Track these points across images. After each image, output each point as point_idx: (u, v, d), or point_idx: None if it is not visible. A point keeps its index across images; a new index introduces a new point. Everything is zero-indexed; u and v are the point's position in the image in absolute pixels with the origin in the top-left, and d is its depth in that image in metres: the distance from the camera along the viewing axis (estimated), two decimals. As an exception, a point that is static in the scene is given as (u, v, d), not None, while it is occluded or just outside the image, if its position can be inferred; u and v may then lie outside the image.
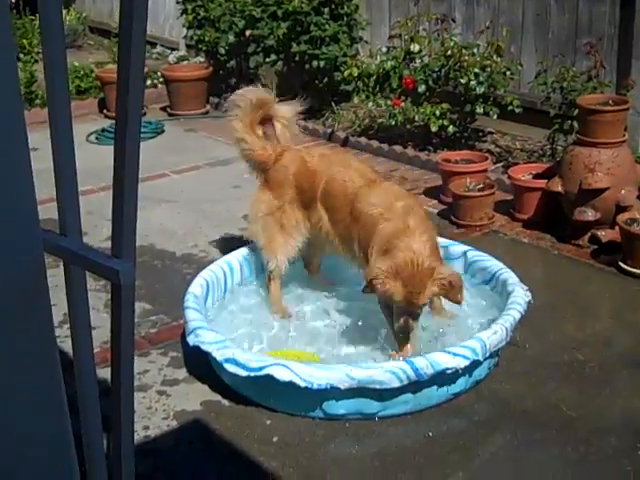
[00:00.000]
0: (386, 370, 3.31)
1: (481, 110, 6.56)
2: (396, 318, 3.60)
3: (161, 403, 3.59)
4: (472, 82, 6.49)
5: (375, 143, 6.91)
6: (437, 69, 6.69)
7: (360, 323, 3.96)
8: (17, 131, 1.16)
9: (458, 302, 3.64)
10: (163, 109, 8.39)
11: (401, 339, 3.65)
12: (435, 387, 3.45)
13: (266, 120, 4.32)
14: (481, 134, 7.22)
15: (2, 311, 1.14)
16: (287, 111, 4.35)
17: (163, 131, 7.72)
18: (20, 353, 1.25)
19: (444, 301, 3.88)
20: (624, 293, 4.48)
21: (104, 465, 1.54)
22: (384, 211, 3.72)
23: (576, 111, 5.51)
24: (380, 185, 3.93)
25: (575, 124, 5.64)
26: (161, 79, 8.69)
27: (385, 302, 3.69)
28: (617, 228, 4.77)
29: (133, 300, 1.40)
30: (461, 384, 3.52)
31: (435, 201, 5.82)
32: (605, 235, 4.90)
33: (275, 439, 3.35)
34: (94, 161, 5.50)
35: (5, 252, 1.15)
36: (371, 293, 3.63)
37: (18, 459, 1.25)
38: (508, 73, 6.60)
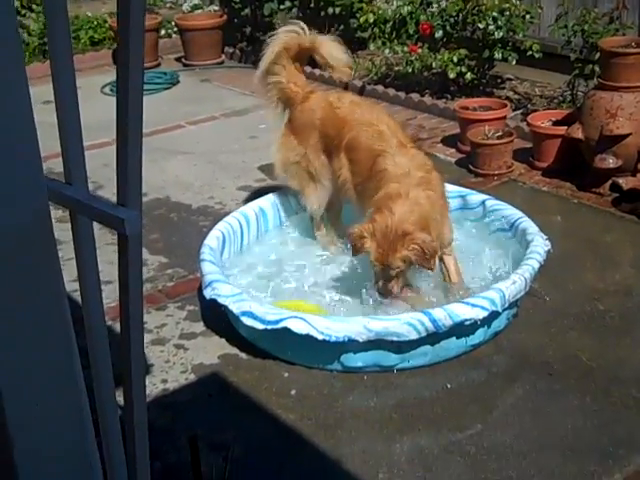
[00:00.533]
0: (404, 322, 3.28)
1: (500, 55, 6.42)
2: (374, 281, 3.64)
3: (179, 357, 3.60)
4: (490, 26, 6.35)
5: (392, 91, 6.80)
6: (454, 14, 6.54)
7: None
8: (17, 80, 1.12)
9: (430, 268, 3.57)
10: (178, 59, 8.30)
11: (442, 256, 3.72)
12: (454, 338, 3.42)
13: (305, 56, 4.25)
14: (499, 81, 7.09)
15: (6, 259, 1.11)
16: (335, 50, 4.19)
17: (178, 82, 7.64)
18: (27, 305, 1.22)
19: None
20: (646, 241, 4.41)
21: (117, 418, 1.53)
22: (400, 176, 3.65)
23: (597, 55, 5.38)
24: (409, 151, 3.82)
25: (597, 68, 5.52)
26: (175, 29, 8.59)
27: None
28: (639, 175, 4.68)
29: (140, 250, 1.37)
30: (480, 335, 3.50)
31: (453, 149, 5.73)
32: (627, 182, 4.81)
33: (293, 392, 3.35)
34: (109, 113, 5.35)
35: (8, 199, 1.12)
36: (354, 254, 3.66)
37: (29, 416, 1.24)
38: (527, 17, 6.45)
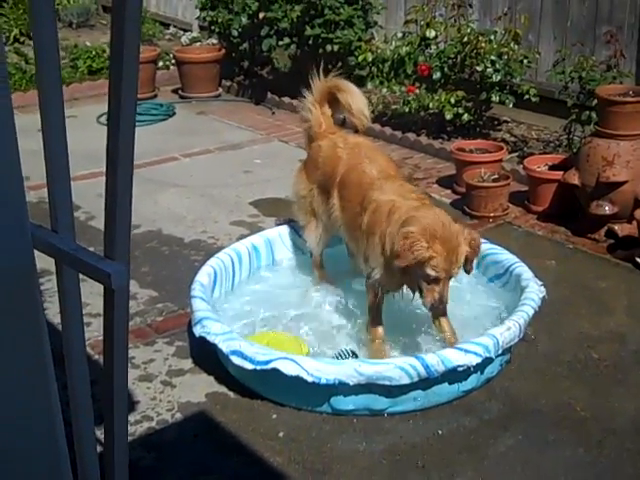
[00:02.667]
0: (396, 366, 3.23)
1: (497, 98, 6.44)
2: (427, 294, 3.40)
3: (166, 394, 3.53)
4: (488, 69, 6.37)
5: (388, 130, 6.81)
6: (453, 56, 6.57)
7: (356, 320, 3.92)
8: (3, 122, 1.09)
9: (469, 270, 3.50)
10: (175, 91, 8.31)
11: (436, 315, 3.59)
12: (446, 384, 3.37)
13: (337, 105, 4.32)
14: (496, 123, 7.11)
15: None
16: (349, 85, 4.30)
17: (174, 113, 7.64)
18: (10, 352, 1.18)
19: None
20: (640, 290, 4.39)
21: (96, 459, 1.48)
22: (396, 200, 3.62)
23: (595, 101, 5.40)
24: (396, 180, 3.84)
25: (593, 115, 5.54)
26: (173, 60, 8.60)
27: (395, 280, 3.55)
28: (635, 223, 4.66)
29: (127, 304, 1.33)
30: (472, 381, 3.44)
31: (448, 191, 5.72)
32: (622, 229, 4.81)
33: (281, 434, 3.28)
34: (104, 143, 5.42)
35: None
36: (402, 264, 3.34)
37: (7, 450, 1.19)
38: (525, 61, 6.48)
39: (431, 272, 3.33)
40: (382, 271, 3.56)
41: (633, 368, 3.68)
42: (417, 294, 3.54)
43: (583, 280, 4.51)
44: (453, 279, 3.48)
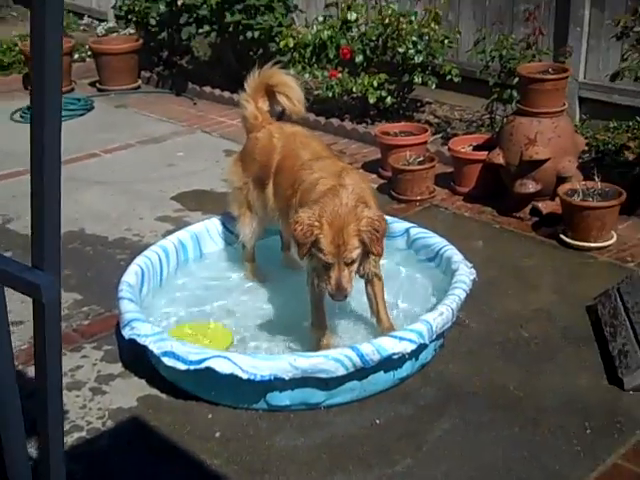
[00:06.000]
0: (331, 358, 3.20)
1: (419, 80, 6.45)
2: (321, 281, 3.36)
3: (96, 401, 3.43)
4: (410, 51, 6.38)
5: (312, 116, 6.75)
6: (375, 38, 6.56)
7: (289, 315, 3.88)
8: None
9: (378, 253, 3.37)
10: (92, 84, 8.10)
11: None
12: (381, 372, 3.35)
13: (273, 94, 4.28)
14: (419, 104, 7.13)
15: None
16: (285, 78, 4.26)
17: (93, 107, 7.44)
18: None
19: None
20: (565, 266, 4.45)
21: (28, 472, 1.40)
22: (325, 175, 3.56)
23: (515, 80, 5.45)
24: (327, 159, 3.79)
25: (514, 93, 5.59)
26: (89, 52, 8.37)
27: (312, 264, 3.50)
28: (557, 199, 4.73)
29: (59, 317, 1.25)
30: (407, 368, 3.44)
31: (374, 175, 5.71)
32: (546, 207, 4.87)
33: (218, 434, 3.22)
34: (19, 141, 5.12)
35: None
36: (301, 252, 3.33)
37: None
38: (446, 41, 6.51)
39: (321, 256, 3.28)
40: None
41: (561, 344, 3.73)
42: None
43: (510, 259, 4.55)
44: (356, 264, 3.35)
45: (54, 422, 1.33)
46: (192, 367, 3.23)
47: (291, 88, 4.25)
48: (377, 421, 3.28)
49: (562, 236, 4.58)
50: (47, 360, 1.28)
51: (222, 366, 3.19)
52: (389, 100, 6.54)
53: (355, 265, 3.34)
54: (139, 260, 4.03)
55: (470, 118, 6.71)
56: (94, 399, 3.43)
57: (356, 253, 3.30)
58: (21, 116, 7.05)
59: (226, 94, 7.49)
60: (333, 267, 3.29)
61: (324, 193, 3.37)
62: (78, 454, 3.08)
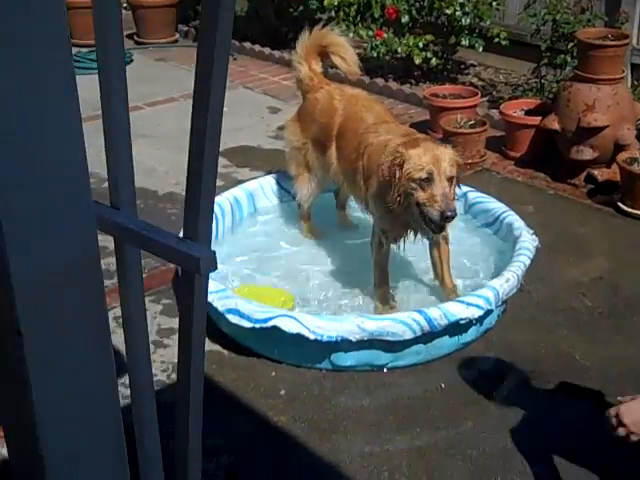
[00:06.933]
0: (399, 321, 3.17)
1: (466, 42, 6.35)
2: (429, 201, 3.22)
3: (158, 354, 3.43)
4: (457, 12, 6.26)
5: (356, 75, 6.65)
6: (421, -2, 6.43)
7: (345, 274, 3.85)
8: (68, 98, 0.96)
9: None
10: (130, 37, 7.99)
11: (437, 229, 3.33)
12: (446, 337, 3.33)
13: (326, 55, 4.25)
14: (463, 67, 7.02)
15: (53, 293, 0.98)
16: (339, 39, 4.23)
17: (132, 61, 7.36)
18: (72, 337, 1.08)
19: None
20: (624, 234, 4.39)
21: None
22: (393, 137, 3.53)
23: (569, 45, 5.35)
24: (392, 123, 3.76)
25: (568, 58, 5.48)
26: (126, 4, 8.25)
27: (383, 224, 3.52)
28: (614, 167, 4.66)
29: (207, 290, 1.22)
30: (472, 333, 3.42)
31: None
32: (602, 174, 4.80)
33: (282, 392, 3.21)
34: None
35: (56, 229, 0.97)
36: (393, 197, 3.30)
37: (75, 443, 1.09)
38: (494, 4, 6.38)
39: (421, 174, 3.22)
40: (383, 214, 3.49)
41: (626, 314, 3.69)
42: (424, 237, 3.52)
43: (566, 226, 4.50)
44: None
45: (196, 391, 1.31)
46: (258, 325, 3.21)
47: (345, 49, 4.20)
48: (442, 385, 3.27)
49: (620, 204, 4.52)
50: (193, 333, 1.26)
51: (289, 325, 3.17)
52: (434, 61, 6.44)
53: (453, 188, 3.30)
54: (194, 216, 4.00)
55: (516, 82, 6.60)
56: (157, 352, 3.43)
57: (454, 171, 3.27)
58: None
59: (266, 50, 7.39)
60: (433, 182, 3.23)
61: (397, 147, 3.34)
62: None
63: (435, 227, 3.28)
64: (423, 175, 3.22)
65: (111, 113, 1.20)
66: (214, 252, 1.10)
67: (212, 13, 1.00)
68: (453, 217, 3.23)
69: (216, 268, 1.15)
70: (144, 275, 4.11)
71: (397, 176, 3.26)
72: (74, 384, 1.07)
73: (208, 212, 1.16)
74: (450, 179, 3.25)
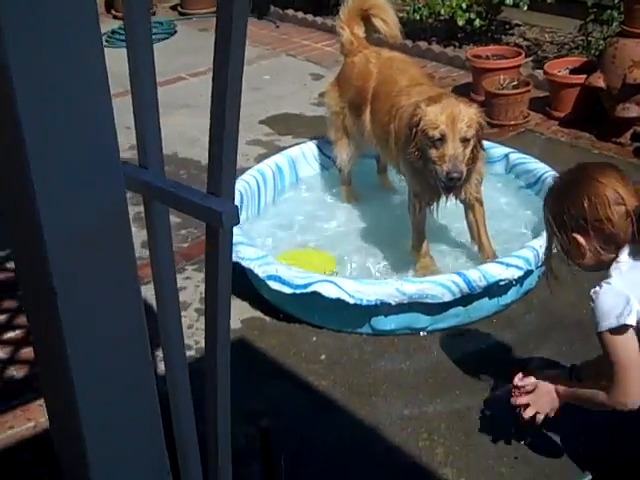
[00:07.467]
0: (438, 283, 3.18)
1: (510, 1, 6.22)
2: (438, 160, 3.27)
3: (201, 322, 3.48)
4: (501, -30, 6.13)
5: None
6: (464, -43, 6.32)
7: (387, 238, 3.86)
8: (96, 64, 0.99)
9: (482, 148, 3.44)
10: (173, 8, 8.03)
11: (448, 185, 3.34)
12: (486, 299, 3.33)
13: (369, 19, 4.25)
14: (507, 27, 6.90)
15: (85, 251, 1.02)
16: (380, 1, 4.21)
17: (175, 32, 7.40)
18: (102, 293, 1.11)
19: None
20: (671, 193, 4.30)
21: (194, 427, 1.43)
22: (421, 100, 3.52)
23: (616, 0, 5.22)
24: (426, 85, 3.74)
25: (615, 14, 5.35)
26: (168, -24, 8.30)
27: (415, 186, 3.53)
28: (662, 125, 4.56)
29: (232, 245, 1.25)
30: (512, 295, 3.40)
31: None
32: (649, 132, 4.70)
33: (323, 357, 3.26)
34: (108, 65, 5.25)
35: (87, 188, 1.00)
36: (411, 151, 3.37)
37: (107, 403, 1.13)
38: (539, -40, 6.23)
39: (434, 132, 3.26)
40: (413, 175, 3.50)
41: (672, 274, 3.62)
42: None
43: (612, 186, 4.41)
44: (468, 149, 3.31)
45: (222, 350, 1.34)
46: (298, 291, 3.25)
47: (386, 11, 4.18)
48: (482, 347, 3.27)
49: (667, 162, 4.43)
50: (219, 289, 1.29)
51: (328, 290, 3.20)
52: (478, 22, 6.34)
53: (468, 150, 3.30)
54: (238, 185, 4.04)
55: (562, 40, 6.47)
56: (199, 319, 3.49)
57: (470, 132, 3.26)
58: (107, 40, 7.05)
59: (309, 17, 7.36)
60: (446, 142, 3.25)
61: (418, 103, 3.36)
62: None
63: (443, 186, 3.31)
64: (436, 135, 3.26)
65: (138, 76, 1.22)
66: (237, 207, 1.13)
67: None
68: (459, 179, 3.26)
69: (238, 222, 1.18)
70: (186, 244, 4.16)
71: (414, 131, 3.28)
72: (106, 340, 1.11)
73: (231, 168, 1.19)
74: (465, 140, 3.25)
